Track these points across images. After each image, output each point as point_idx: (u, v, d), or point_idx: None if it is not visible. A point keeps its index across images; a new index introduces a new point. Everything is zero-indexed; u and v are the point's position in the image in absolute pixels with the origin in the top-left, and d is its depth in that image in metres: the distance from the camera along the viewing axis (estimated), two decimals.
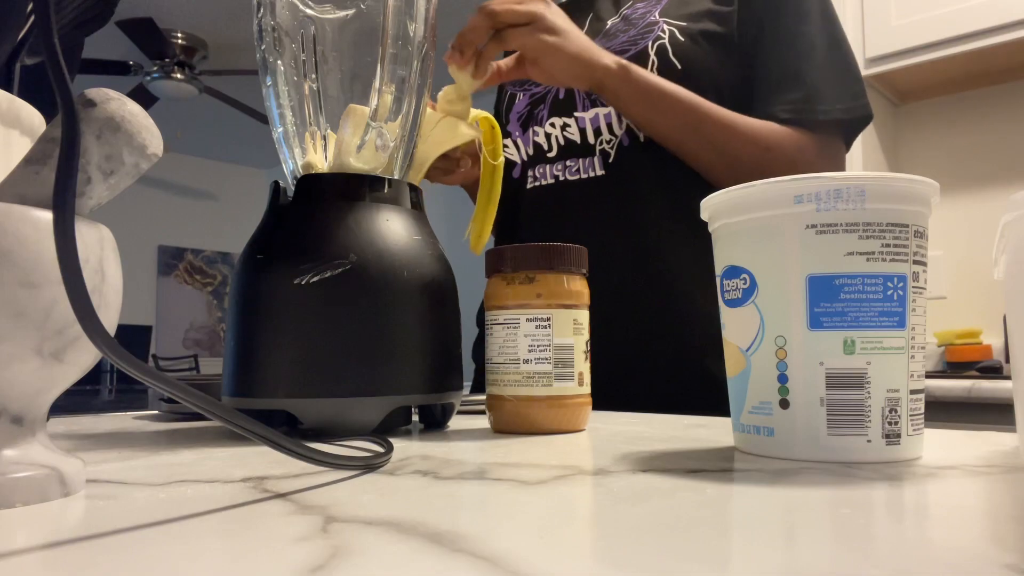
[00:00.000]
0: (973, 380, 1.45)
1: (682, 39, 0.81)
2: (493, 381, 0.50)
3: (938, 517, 0.24)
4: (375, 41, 0.56)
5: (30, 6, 0.40)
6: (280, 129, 0.57)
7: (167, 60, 3.95)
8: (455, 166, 0.80)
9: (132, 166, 0.29)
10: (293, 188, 0.53)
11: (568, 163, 0.86)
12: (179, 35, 4.01)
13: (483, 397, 0.59)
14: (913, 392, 0.35)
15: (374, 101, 0.55)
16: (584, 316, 0.50)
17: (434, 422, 0.53)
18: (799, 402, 0.35)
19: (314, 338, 0.47)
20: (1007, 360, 1.06)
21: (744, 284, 0.37)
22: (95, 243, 0.29)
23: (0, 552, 0.21)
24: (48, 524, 0.24)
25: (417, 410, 0.54)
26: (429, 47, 0.59)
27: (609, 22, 0.89)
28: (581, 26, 0.92)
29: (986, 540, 0.21)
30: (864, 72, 1.81)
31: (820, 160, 0.78)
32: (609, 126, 0.83)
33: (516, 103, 0.94)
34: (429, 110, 0.67)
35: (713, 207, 0.40)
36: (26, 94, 0.35)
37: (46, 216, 0.26)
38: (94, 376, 5.17)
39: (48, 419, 0.57)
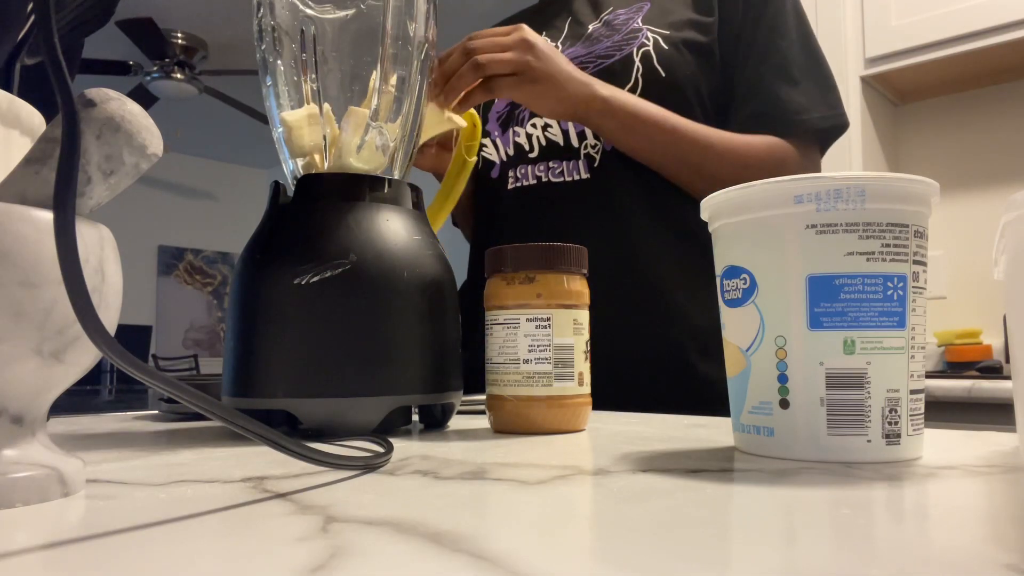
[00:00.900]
0: (973, 380, 1.45)
1: (666, 47, 0.82)
2: (493, 381, 0.50)
3: (938, 517, 0.24)
4: (375, 41, 0.56)
5: (30, 6, 0.40)
6: (280, 129, 0.57)
7: (167, 60, 3.95)
8: (423, 151, 0.81)
9: (132, 166, 0.29)
10: (293, 188, 0.53)
11: (551, 164, 0.85)
12: (179, 35, 4.01)
13: (483, 397, 0.59)
14: (913, 392, 0.35)
15: (374, 101, 0.55)
16: (584, 316, 0.50)
17: (434, 422, 0.53)
18: (799, 402, 0.35)
19: (314, 338, 0.47)
20: (1007, 360, 1.06)
21: (744, 284, 0.37)
22: (95, 243, 0.29)
23: (0, 552, 0.21)
24: (48, 524, 0.24)
25: (417, 410, 0.54)
26: (429, 47, 0.59)
27: (591, 27, 0.89)
28: (560, 29, 0.92)
29: (986, 540, 0.21)
30: (864, 72, 1.82)
31: (799, 171, 0.80)
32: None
33: (495, 102, 0.93)
34: None
35: (713, 207, 0.40)
36: (26, 94, 0.35)
37: (46, 216, 0.26)
38: (94, 376, 5.17)
39: (48, 419, 0.57)
